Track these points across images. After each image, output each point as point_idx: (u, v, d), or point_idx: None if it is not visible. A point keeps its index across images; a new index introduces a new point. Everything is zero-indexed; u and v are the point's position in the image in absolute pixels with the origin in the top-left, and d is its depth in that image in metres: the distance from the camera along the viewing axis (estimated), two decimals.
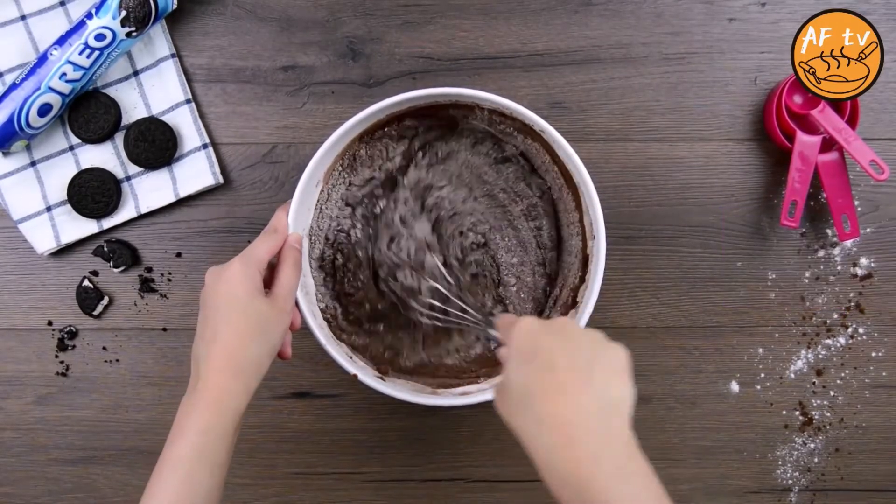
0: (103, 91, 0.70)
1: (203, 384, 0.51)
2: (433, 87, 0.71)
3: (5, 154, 0.69)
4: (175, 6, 0.69)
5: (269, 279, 0.57)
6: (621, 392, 0.45)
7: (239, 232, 0.72)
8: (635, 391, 0.45)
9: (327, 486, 0.73)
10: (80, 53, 0.65)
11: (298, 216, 0.63)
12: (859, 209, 0.72)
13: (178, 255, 0.72)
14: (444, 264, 0.67)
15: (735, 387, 0.73)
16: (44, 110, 0.66)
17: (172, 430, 0.51)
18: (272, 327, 0.54)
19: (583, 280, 0.65)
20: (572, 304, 0.65)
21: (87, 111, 0.69)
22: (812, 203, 0.72)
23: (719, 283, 0.73)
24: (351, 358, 0.65)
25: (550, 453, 0.43)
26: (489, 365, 0.68)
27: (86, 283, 0.71)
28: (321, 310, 0.66)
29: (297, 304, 0.60)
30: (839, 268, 0.73)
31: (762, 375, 0.73)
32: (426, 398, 0.63)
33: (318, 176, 0.64)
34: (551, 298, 0.70)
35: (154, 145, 0.69)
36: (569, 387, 0.44)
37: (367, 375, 0.62)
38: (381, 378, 0.65)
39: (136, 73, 0.71)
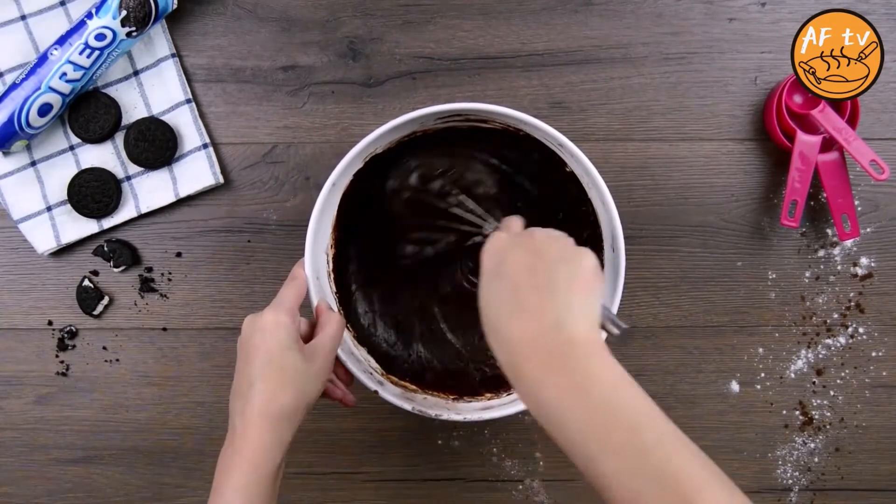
0: (103, 91, 0.70)
1: (240, 439, 0.51)
2: (433, 88, 0.71)
3: (5, 154, 0.69)
4: (175, 6, 0.69)
5: (308, 335, 0.57)
6: (584, 305, 0.45)
7: (239, 232, 0.72)
8: (602, 296, 0.47)
9: (327, 486, 0.73)
10: (81, 53, 0.65)
11: (315, 258, 0.63)
12: (859, 209, 0.72)
13: (179, 254, 0.72)
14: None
15: (735, 387, 0.73)
16: (44, 110, 0.66)
17: (213, 486, 0.51)
18: (306, 380, 0.53)
19: None
20: None
21: (88, 111, 0.69)
22: (812, 203, 0.72)
23: (719, 283, 0.73)
24: (371, 374, 0.65)
25: (510, 371, 0.45)
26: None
27: (86, 282, 0.71)
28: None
29: (345, 366, 0.62)
30: (839, 267, 0.73)
31: (762, 375, 0.73)
32: (450, 414, 0.63)
33: (328, 216, 0.65)
34: None
35: (154, 145, 0.69)
36: (530, 306, 0.45)
37: (387, 392, 0.63)
38: (405, 387, 0.65)
39: (136, 73, 0.71)
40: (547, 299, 0.45)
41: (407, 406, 0.62)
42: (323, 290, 0.65)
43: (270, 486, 0.50)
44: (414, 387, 0.67)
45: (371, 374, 0.64)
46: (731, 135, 0.72)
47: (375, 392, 0.62)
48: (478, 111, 0.61)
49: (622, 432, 0.41)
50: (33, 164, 0.70)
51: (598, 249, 0.65)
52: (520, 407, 0.62)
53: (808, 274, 0.73)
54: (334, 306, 0.66)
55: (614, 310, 0.61)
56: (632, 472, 0.40)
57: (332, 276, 0.67)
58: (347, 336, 0.66)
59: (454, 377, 0.68)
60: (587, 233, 0.66)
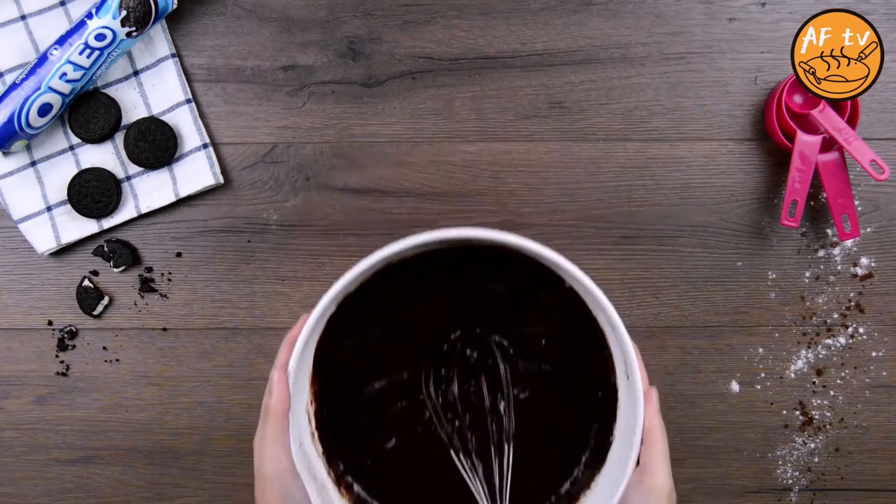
0: (103, 91, 0.70)
1: None
2: (433, 88, 0.71)
3: (5, 154, 0.69)
4: (175, 6, 0.69)
5: None
6: None
7: (239, 232, 0.72)
8: None
9: None
10: (81, 53, 0.65)
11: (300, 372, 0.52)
12: (859, 209, 0.72)
13: (178, 254, 0.72)
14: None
15: (735, 386, 0.73)
16: (44, 110, 0.66)
17: None
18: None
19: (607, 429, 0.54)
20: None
21: (87, 111, 0.69)
22: (812, 203, 0.72)
23: (719, 283, 0.73)
24: None
25: None
26: None
27: (86, 282, 0.72)
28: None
29: None
30: (839, 267, 0.73)
31: (762, 375, 0.73)
32: None
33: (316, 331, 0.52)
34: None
35: (154, 145, 0.69)
36: None
37: None
38: None
39: (136, 73, 0.71)
40: None
41: None
42: (304, 453, 0.53)
43: None
44: None
45: None
46: (730, 135, 0.72)
47: None
48: (452, 239, 0.49)
49: None
50: (33, 164, 0.70)
51: (608, 372, 0.54)
52: None
53: (808, 274, 0.73)
54: (314, 459, 0.55)
55: (637, 434, 0.50)
56: None
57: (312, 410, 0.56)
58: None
59: None
60: (599, 362, 0.55)
